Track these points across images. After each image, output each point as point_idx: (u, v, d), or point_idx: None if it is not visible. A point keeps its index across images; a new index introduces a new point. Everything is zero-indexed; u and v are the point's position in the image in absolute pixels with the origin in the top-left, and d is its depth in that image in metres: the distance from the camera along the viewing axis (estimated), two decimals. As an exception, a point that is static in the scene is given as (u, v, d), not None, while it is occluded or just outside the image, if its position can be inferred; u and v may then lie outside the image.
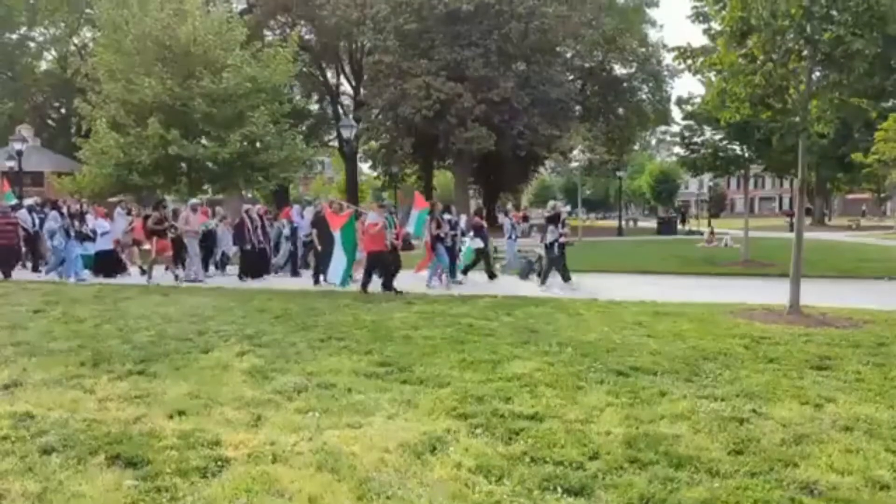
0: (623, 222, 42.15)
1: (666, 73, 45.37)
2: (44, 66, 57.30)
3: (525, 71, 36.80)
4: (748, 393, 5.63)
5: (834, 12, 8.96)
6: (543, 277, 13.80)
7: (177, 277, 14.79)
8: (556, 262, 13.66)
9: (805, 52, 9.46)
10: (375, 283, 12.84)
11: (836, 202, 74.52)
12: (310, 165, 40.90)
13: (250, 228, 15.27)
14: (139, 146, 22.40)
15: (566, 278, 13.67)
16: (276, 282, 14.85)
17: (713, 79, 11.17)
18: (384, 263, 12.74)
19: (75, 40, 51.60)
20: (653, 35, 46.89)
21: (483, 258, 15.50)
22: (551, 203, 15.25)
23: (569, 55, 43.88)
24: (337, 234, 13.05)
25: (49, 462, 4.15)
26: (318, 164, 63.95)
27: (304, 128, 41.55)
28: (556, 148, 41.34)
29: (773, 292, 11.07)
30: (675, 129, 29.86)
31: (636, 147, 63.92)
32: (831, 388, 5.85)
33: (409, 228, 15.38)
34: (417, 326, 8.79)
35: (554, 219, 13.84)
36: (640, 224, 55.60)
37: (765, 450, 4.38)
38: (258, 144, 24.08)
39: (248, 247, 15.27)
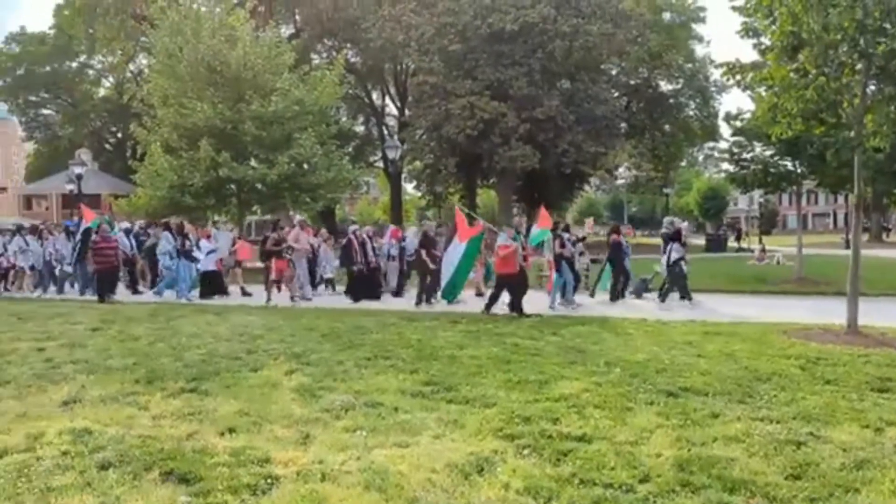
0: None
1: (713, 88, 44.79)
2: (101, 92, 59.52)
3: (569, 89, 36.70)
4: (805, 415, 5.47)
5: (887, 25, 8.75)
6: (664, 295, 13.41)
7: (293, 298, 14.75)
8: (679, 280, 13.31)
9: (859, 66, 9.24)
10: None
11: (893, 218, 72.16)
12: (356, 186, 41.37)
13: (357, 249, 15.03)
14: (191, 168, 23.01)
15: (688, 297, 13.39)
16: (372, 303, 14.40)
17: (763, 94, 10.98)
18: (514, 286, 12.31)
19: (131, 67, 53.42)
20: (699, 51, 46.47)
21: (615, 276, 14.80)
22: (668, 219, 14.91)
23: (614, 72, 43.67)
24: (462, 246, 12.70)
25: (106, 477, 4.25)
26: (364, 184, 64.72)
27: (350, 149, 42.12)
28: (602, 165, 41.05)
29: (829, 311, 10.74)
30: (724, 145, 29.45)
31: (683, 163, 63.09)
32: (893, 410, 5.65)
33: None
34: (463, 346, 8.78)
35: (675, 236, 13.55)
36: (688, 241, 54.60)
37: (824, 474, 4.25)
38: (305, 166, 24.50)
39: (356, 267, 15.01)
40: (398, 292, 15.76)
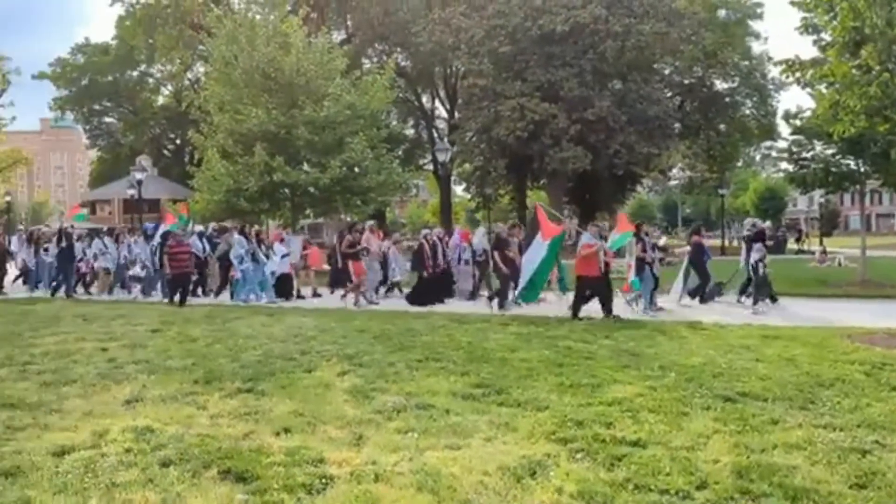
0: (726, 241, 40.59)
1: (771, 86, 43.60)
2: (161, 100, 61.29)
3: (621, 89, 36.24)
4: (870, 423, 5.29)
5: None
6: (755, 300, 12.90)
7: (365, 301, 14.68)
8: (763, 282, 12.93)
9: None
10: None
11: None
12: (405, 189, 41.58)
13: (429, 253, 14.86)
14: (246, 173, 23.49)
15: (773, 299, 13.13)
16: (441, 307, 14.14)
17: (824, 91, 10.67)
18: (598, 288, 11.99)
19: (189, 75, 54.86)
20: (756, 48, 45.16)
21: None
22: (750, 221, 14.63)
23: (667, 72, 42.94)
24: (544, 244, 12.41)
25: (167, 474, 4.37)
26: (414, 187, 65.08)
27: (400, 152, 42.47)
28: (655, 166, 40.37)
29: (895, 315, 10.37)
30: (782, 144, 28.63)
31: (739, 163, 61.55)
32: (964, 419, 5.41)
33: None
34: (514, 348, 8.75)
35: (759, 237, 13.21)
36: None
37: (891, 484, 4.10)
38: (357, 170, 24.76)
39: (426, 273, 14.80)
40: (472, 295, 15.52)
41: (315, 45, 25.47)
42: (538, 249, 12.61)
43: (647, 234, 13.50)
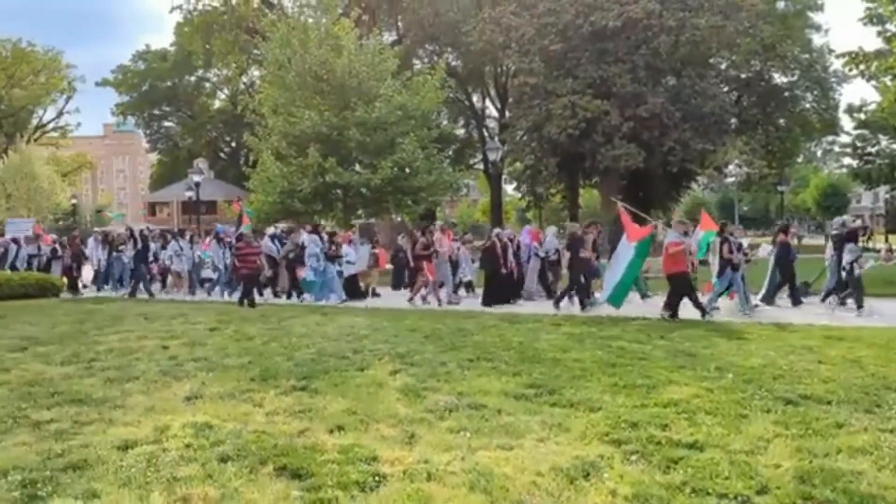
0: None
1: (833, 79, 42.21)
2: (217, 104, 62.86)
3: (675, 85, 35.57)
4: (940, 428, 5.08)
5: None
6: (858, 301, 12.30)
7: (438, 300, 14.69)
8: (858, 283, 12.49)
9: None
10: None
11: None
12: (456, 189, 41.63)
13: (500, 253, 14.60)
14: (300, 175, 23.88)
15: (858, 303, 12.52)
16: (509, 307, 13.93)
17: (889, 84, 10.29)
18: (688, 285, 11.84)
19: (244, 79, 56.06)
20: (817, 40, 43.75)
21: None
22: (840, 220, 14.04)
23: (723, 66, 41.92)
24: (630, 247, 12.22)
25: (226, 470, 4.47)
26: (464, 186, 65.09)
27: (450, 152, 42.50)
28: (710, 163, 39.52)
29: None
30: (845, 138, 27.74)
31: (799, 159, 59.79)
32: None
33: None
34: (566, 349, 8.67)
35: (850, 236, 12.82)
36: (805, 241, 51.75)
37: (963, 492, 3.93)
38: (407, 170, 24.91)
39: (499, 272, 14.54)
40: (547, 295, 15.33)
41: (366, 46, 25.73)
42: (625, 252, 12.34)
43: (732, 235, 12.96)
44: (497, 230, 16.09)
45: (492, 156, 28.50)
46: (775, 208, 58.98)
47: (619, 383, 6.63)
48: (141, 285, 17.92)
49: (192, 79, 59.99)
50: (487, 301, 14.34)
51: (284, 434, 5.22)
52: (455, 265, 15.88)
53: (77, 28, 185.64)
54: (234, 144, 61.88)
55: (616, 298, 12.34)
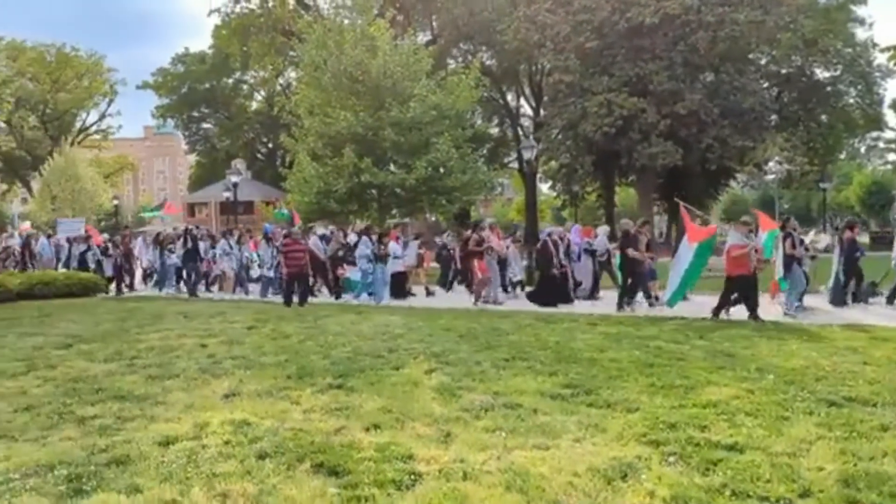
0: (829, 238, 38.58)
1: (877, 74, 41.19)
2: (254, 105, 63.68)
3: (714, 81, 35.04)
4: None
5: None
6: None
7: (490, 299, 14.47)
8: None
9: None
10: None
11: None
12: (490, 188, 41.56)
13: (553, 252, 14.29)
14: (335, 175, 24.05)
15: (889, 300, 12.40)
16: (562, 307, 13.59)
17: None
18: (751, 288, 11.42)
19: (280, 81, 56.70)
20: (860, 34, 42.62)
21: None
22: None
23: (763, 62, 41.16)
24: (691, 248, 11.93)
25: (264, 466, 4.53)
26: (499, 185, 64.94)
27: (484, 151, 42.41)
28: (750, 160, 38.82)
29: None
30: (890, 134, 27.02)
31: (842, 156, 58.41)
32: None
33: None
34: (603, 348, 8.60)
35: None
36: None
37: None
38: (442, 170, 24.92)
39: (552, 272, 14.22)
40: (592, 295, 15.13)
41: (401, 47, 25.82)
42: (685, 252, 12.08)
43: (794, 230, 12.56)
44: (548, 229, 15.85)
45: (526, 154, 28.36)
46: (817, 206, 57.64)
47: (657, 384, 6.56)
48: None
49: (230, 81, 60.89)
50: (535, 299, 14.19)
51: (321, 432, 5.27)
52: (504, 264, 15.61)
53: (118, 32, 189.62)
54: (270, 145, 62.63)
55: (673, 300, 12.08)
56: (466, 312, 12.83)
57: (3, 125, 54.10)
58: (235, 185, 28.24)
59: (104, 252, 19.60)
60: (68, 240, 21.14)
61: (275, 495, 4.07)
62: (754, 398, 6.00)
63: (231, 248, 18.05)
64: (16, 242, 22.02)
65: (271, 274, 17.27)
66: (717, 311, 11.39)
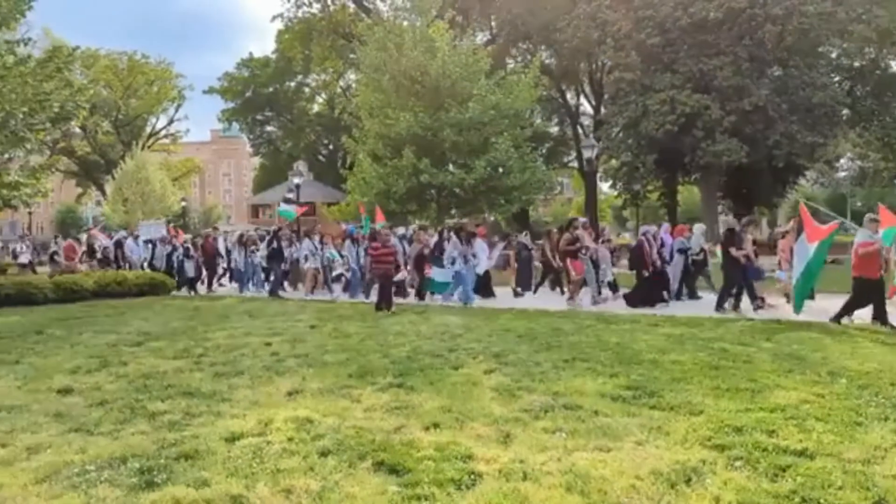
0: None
1: (957, 65, 39.24)
2: (316, 108, 64.74)
3: (782, 76, 33.96)
4: None
5: None
6: None
7: (587, 300, 14.11)
8: None
9: None
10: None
11: None
12: (550, 187, 41.21)
13: (649, 252, 13.87)
14: (395, 176, 24.27)
15: None
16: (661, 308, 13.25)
17: None
18: (875, 291, 10.72)
19: (341, 83, 57.53)
20: (941, 23, 40.71)
21: None
22: None
23: (834, 54, 39.67)
24: (811, 247, 11.33)
25: (326, 463, 4.60)
26: (558, 185, 64.41)
27: (544, 150, 42.16)
28: (820, 157, 37.45)
29: None
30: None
31: (920, 151, 55.75)
32: None
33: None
34: (665, 350, 8.44)
35: None
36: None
37: None
38: (501, 169, 24.86)
39: (647, 272, 13.83)
40: (692, 295, 14.82)
41: (460, 47, 25.88)
42: (803, 252, 11.46)
43: None
44: (644, 228, 15.39)
45: (587, 153, 28.10)
46: (892, 204, 55.20)
47: (722, 386, 6.40)
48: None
49: (292, 84, 62.03)
50: (633, 302, 13.77)
51: (382, 430, 5.32)
52: (595, 264, 14.95)
53: (186, 40, 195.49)
54: (331, 147, 63.63)
55: (799, 305, 11.42)
56: (526, 313, 12.76)
57: (78, 130, 56.30)
58: (298, 186, 28.74)
59: (186, 253, 19.80)
60: (149, 241, 21.71)
61: (337, 492, 4.13)
62: (825, 402, 5.80)
63: (316, 248, 17.88)
64: (100, 243, 22.81)
65: (349, 275, 17.18)
66: (840, 315, 10.66)
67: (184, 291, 19.17)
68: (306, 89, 63.54)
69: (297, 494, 4.10)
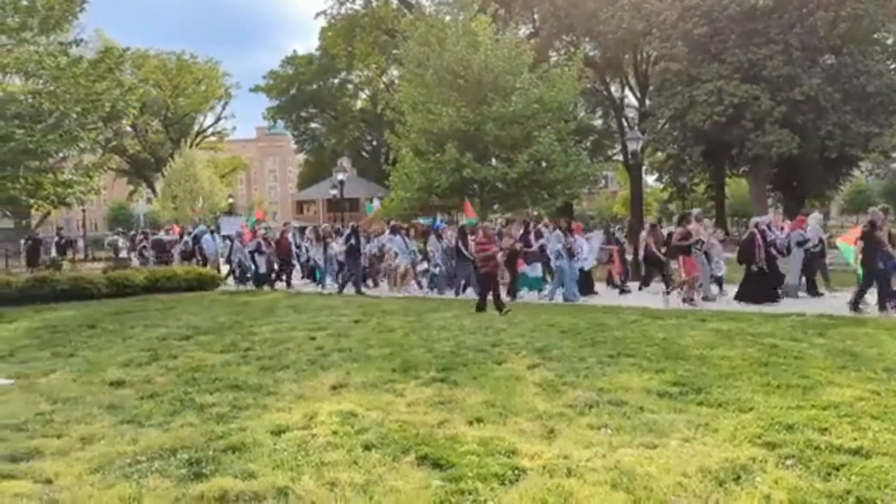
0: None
1: None
2: (359, 104, 65.18)
3: (834, 64, 32.99)
4: None
5: None
6: None
7: (686, 299, 13.04)
8: None
9: None
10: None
11: None
12: (594, 181, 40.78)
13: (760, 244, 13.02)
14: (438, 170, 24.26)
15: None
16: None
17: None
18: None
19: (384, 79, 57.78)
20: None
21: None
22: None
23: (890, 41, 38.37)
24: None
25: (370, 457, 4.63)
26: (602, 178, 63.71)
27: (588, 143, 41.67)
28: (875, 147, 36.24)
29: None
30: None
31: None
32: None
33: None
34: (713, 346, 8.28)
35: None
36: None
37: None
38: (544, 163, 24.65)
39: (755, 267, 12.94)
40: (811, 290, 13.99)
41: (502, 41, 25.72)
42: None
43: None
44: (755, 218, 14.36)
45: (632, 146, 27.59)
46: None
47: (772, 383, 6.25)
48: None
49: (336, 81, 62.53)
50: (743, 297, 12.92)
51: (425, 424, 5.34)
52: (707, 257, 14.06)
53: (232, 39, 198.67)
54: (374, 143, 64.02)
55: None
56: (568, 308, 12.63)
57: (129, 129, 57.76)
58: (342, 182, 28.98)
59: (257, 248, 19.53)
60: (227, 236, 21.96)
61: (381, 485, 4.15)
62: (881, 400, 5.62)
63: (407, 244, 17.19)
64: (168, 238, 23.25)
65: (436, 271, 16.74)
66: None
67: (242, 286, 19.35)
68: (349, 86, 63.99)
69: (341, 487, 4.13)
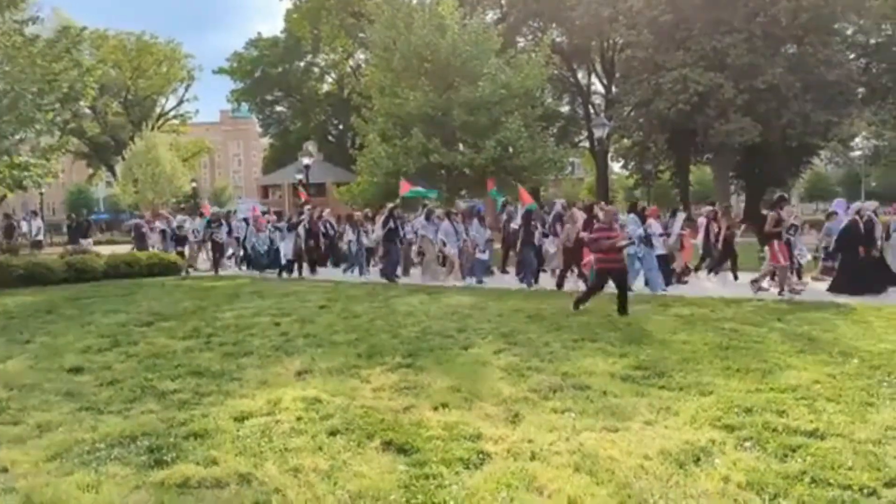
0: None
1: (977, 41, 38.51)
2: (325, 88, 64.45)
3: (796, 54, 33.59)
4: None
5: None
6: None
7: (782, 291, 11.96)
8: None
9: None
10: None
11: None
12: (560, 167, 40.98)
13: (861, 233, 12.10)
14: (405, 156, 24.19)
15: None
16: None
17: None
18: None
19: (350, 63, 57.23)
20: (959, -2, 39.95)
21: None
22: None
23: (849, 31, 39.13)
24: None
25: (334, 443, 4.61)
26: (569, 165, 64.05)
27: (554, 130, 41.86)
28: (834, 136, 37.07)
29: None
30: None
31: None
32: None
33: None
34: (675, 331, 8.40)
35: None
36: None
37: None
38: (511, 149, 24.74)
39: (857, 256, 12.08)
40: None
41: (470, 25, 25.66)
42: None
43: None
44: (858, 204, 13.26)
45: (598, 132, 27.89)
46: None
47: (732, 367, 6.37)
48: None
49: (302, 64, 61.83)
50: (839, 288, 12.12)
51: (390, 409, 5.33)
52: (789, 244, 12.77)
53: (194, 19, 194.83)
54: (341, 127, 63.49)
55: None
56: (536, 293, 12.70)
57: (88, 111, 56.36)
58: (307, 167, 28.69)
59: (308, 232, 18.12)
60: (245, 219, 21.37)
61: (345, 471, 4.14)
62: (836, 383, 5.76)
63: (457, 230, 15.66)
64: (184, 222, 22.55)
65: (485, 257, 15.68)
66: None
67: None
68: (315, 69, 63.32)
69: (305, 473, 4.10)
